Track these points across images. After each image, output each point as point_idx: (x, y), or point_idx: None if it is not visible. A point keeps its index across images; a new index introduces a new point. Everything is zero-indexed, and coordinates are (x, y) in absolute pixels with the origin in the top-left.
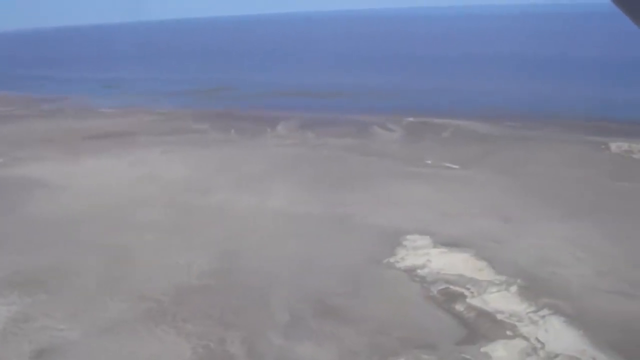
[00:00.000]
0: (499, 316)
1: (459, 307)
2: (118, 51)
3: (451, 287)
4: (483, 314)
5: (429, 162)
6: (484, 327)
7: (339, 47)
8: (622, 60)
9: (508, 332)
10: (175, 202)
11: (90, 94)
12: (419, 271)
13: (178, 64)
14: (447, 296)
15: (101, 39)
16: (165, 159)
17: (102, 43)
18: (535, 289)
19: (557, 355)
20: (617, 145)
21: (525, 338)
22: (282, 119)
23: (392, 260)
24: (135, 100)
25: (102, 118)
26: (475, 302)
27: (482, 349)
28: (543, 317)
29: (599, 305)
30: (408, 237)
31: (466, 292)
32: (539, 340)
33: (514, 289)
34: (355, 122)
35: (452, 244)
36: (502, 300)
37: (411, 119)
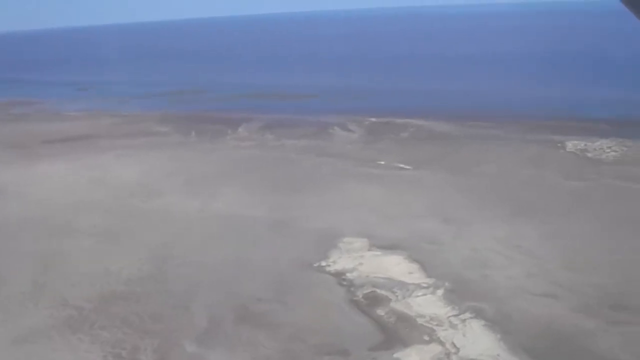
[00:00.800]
0: (419, 320)
1: (380, 311)
2: (101, 53)
3: (377, 290)
4: (404, 318)
5: (382, 162)
6: (402, 331)
7: (320, 48)
8: (595, 58)
9: (425, 337)
10: (120, 206)
11: (63, 97)
12: (348, 275)
13: (158, 66)
14: (371, 300)
15: (88, 41)
16: (120, 162)
17: (88, 45)
18: (462, 291)
19: None
20: (573, 144)
21: (441, 343)
22: (245, 121)
23: (323, 263)
24: (105, 103)
25: (66, 122)
26: (398, 306)
27: (396, 355)
28: (464, 320)
29: (522, 307)
30: (345, 239)
31: (391, 296)
32: (454, 345)
33: (440, 292)
34: (318, 123)
35: (388, 246)
36: (426, 304)
37: (374, 119)
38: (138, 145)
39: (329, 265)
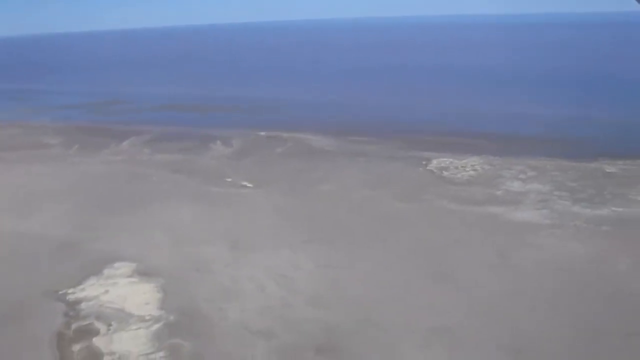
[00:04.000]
0: (106, 358)
1: (77, 347)
2: (56, 61)
3: (96, 323)
4: (93, 356)
5: (229, 180)
6: None
7: (277, 58)
8: (516, 72)
9: None
10: None
11: None
12: (83, 304)
13: (105, 74)
14: (80, 334)
15: (48, 48)
16: None
17: (47, 52)
18: (180, 327)
19: None
20: (438, 162)
21: None
22: (137, 133)
23: (70, 291)
24: (23, 113)
25: None
26: (100, 341)
27: None
28: None
29: (226, 347)
30: (116, 264)
31: (104, 330)
32: None
33: (157, 326)
34: (206, 137)
35: (152, 272)
36: (129, 340)
37: (263, 133)
38: (12, 159)
39: (73, 293)
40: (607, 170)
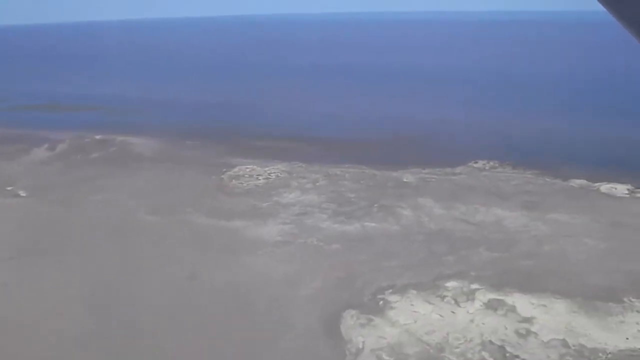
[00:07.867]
0: None
1: None
2: None
3: None
4: None
5: (9, 188)
6: None
7: (179, 56)
8: (407, 72)
9: None
10: None
11: None
12: None
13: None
14: None
15: None
16: None
17: None
18: None
19: None
20: (240, 169)
21: None
22: None
23: None
24: None
25: None
26: None
27: None
28: None
29: None
30: None
31: None
32: None
33: None
34: (38, 140)
35: None
36: None
37: (98, 136)
38: None
39: None
40: (404, 180)
